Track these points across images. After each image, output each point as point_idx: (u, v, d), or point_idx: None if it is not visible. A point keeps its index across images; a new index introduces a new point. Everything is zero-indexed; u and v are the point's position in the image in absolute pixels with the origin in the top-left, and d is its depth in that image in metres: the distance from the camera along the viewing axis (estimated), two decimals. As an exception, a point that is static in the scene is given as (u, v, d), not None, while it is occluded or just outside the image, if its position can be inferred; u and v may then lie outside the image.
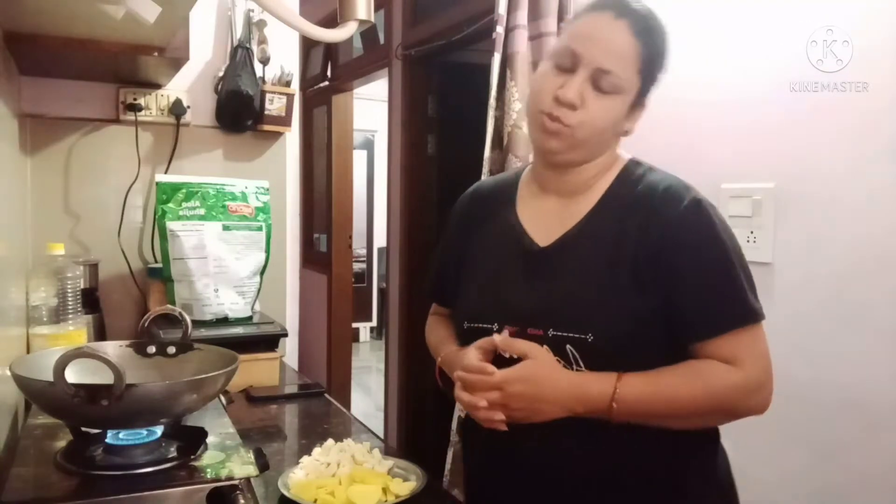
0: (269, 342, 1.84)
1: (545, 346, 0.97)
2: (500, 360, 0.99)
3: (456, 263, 1.16)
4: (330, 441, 1.20)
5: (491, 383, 0.95)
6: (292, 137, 2.40)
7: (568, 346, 0.96)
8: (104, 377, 0.99)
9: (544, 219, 1.06)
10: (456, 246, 1.17)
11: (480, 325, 1.04)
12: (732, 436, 1.51)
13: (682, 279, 0.95)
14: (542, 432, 0.97)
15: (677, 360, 0.97)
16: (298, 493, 1.05)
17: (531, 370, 0.95)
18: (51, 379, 0.98)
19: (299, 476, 1.10)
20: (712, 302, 0.96)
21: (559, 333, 0.96)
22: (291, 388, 1.79)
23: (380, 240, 6.71)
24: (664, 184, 0.99)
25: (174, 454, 1.09)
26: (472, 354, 1.00)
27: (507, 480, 1.05)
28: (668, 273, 0.95)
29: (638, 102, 1.02)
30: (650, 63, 0.99)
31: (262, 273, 1.95)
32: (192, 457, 1.08)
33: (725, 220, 1.00)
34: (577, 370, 0.96)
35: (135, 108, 2.09)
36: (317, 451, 1.18)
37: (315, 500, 1.03)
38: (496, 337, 0.99)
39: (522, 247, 1.05)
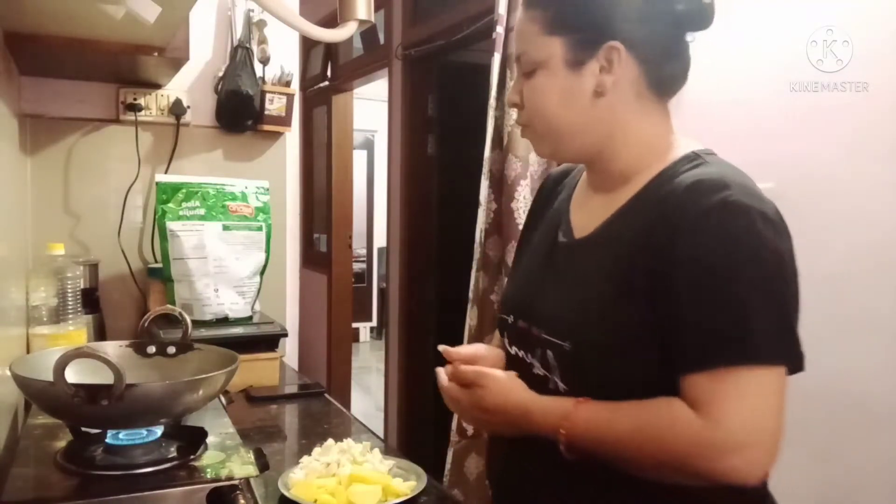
0: (269, 342, 1.84)
1: (511, 371, 0.92)
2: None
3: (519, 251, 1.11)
4: (330, 441, 1.20)
5: (463, 375, 0.91)
6: (292, 137, 2.40)
7: (549, 353, 0.87)
8: (104, 377, 0.98)
9: (588, 212, 0.94)
10: (525, 236, 1.10)
11: (502, 315, 0.99)
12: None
13: (671, 294, 0.78)
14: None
15: (672, 388, 0.79)
16: (298, 493, 1.05)
17: (492, 381, 0.88)
18: (51, 379, 0.97)
19: (299, 476, 1.10)
20: (694, 327, 0.76)
21: (544, 336, 0.88)
22: (291, 388, 1.79)
23: (380, 240, 6.70)
24: (695, 177, 0.81)
25: (174, 454, 1.09)
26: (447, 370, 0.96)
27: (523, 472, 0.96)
28: (664, 284, 0.78)
29: (577, 59, 0.86)
30: (561, 17, 0.87)
31: (262, 273, 1.95)
32: (192, 457, 1.08)
33: (770, 232, 0.78)
34: (553, 379, 0.87)
35: (135, 108, 2.09)
36: (317, 451, 1.18)
37: (315, 500, 1.03)
38: (441, 372, 0.95)
39: (553, 239, 0.97)
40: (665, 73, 0.91)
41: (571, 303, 0.88)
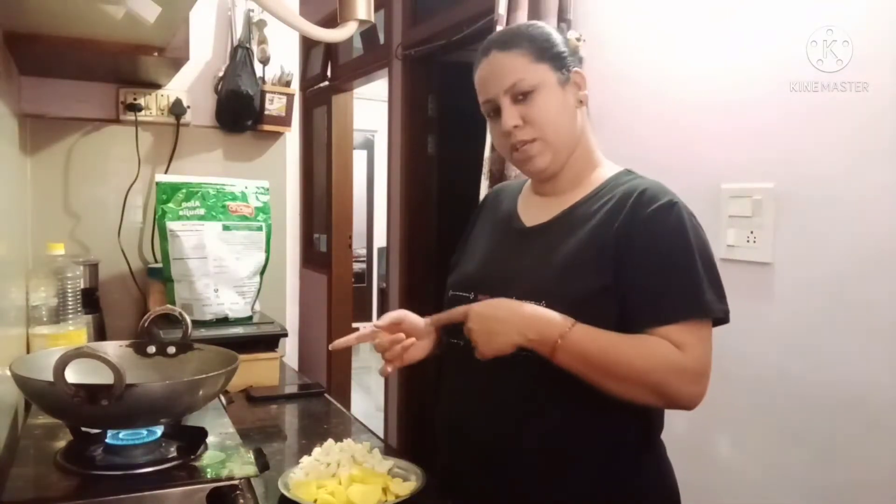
0: (269, 342, 1.84)
1: None
2: None
3: (462, 249, 1.28)
4: (330, 441, 1.20)
5: (458, 312, 1.07)
6: (292, 137, 2.40)
7: None
8: (104, 377, 0.98)
9: (536, 209, 1.16)
10: (469, 234, 1.28)
11: (459, 293, 1.16)
12: (732, 436, 1.52)
13: (641, 265, 1.02)
14: (488, 409, 1.08)
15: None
16: (298, 493, 1.05)
17: (490, 302, 1.05)
18: (51, 379, 0.97)
19: (299, 476, 1.10)
20: (666, 290, 1.02)
21: (518, 299, 1.04)
22: (291, 388, 1.79)
23: (380, 240, 6.71)
24: (645, 186, 1.06)
25: (174, 454, 1.09)
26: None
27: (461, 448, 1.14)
28: (629, 258, 1.02)
29: (563, 79, 1.09)
30: (541, 50, 1.09)
31: (262, 273, 1.95)
32: (192, 457, 1.08)
33: (700, 227, 1.06)
34: None
35: (135, 108, 2.09)
36: (317, 451, 1.18)
37: (315, 501, 1.03)
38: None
39: (511, 227, 1.18)
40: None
41: (543, 271, 1.07)
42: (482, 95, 1.14)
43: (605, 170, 1.14)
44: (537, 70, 1.08)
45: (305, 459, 1.16)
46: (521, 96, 1.08)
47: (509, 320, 1.01)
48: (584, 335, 0.99)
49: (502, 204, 1.24)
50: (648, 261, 1.02)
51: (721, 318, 1.04)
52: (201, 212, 1.88)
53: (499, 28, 1.86)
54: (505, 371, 1.05)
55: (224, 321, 1.85)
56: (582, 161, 1.14)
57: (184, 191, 1.89)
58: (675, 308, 1.01)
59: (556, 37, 1.12)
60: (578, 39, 1.15)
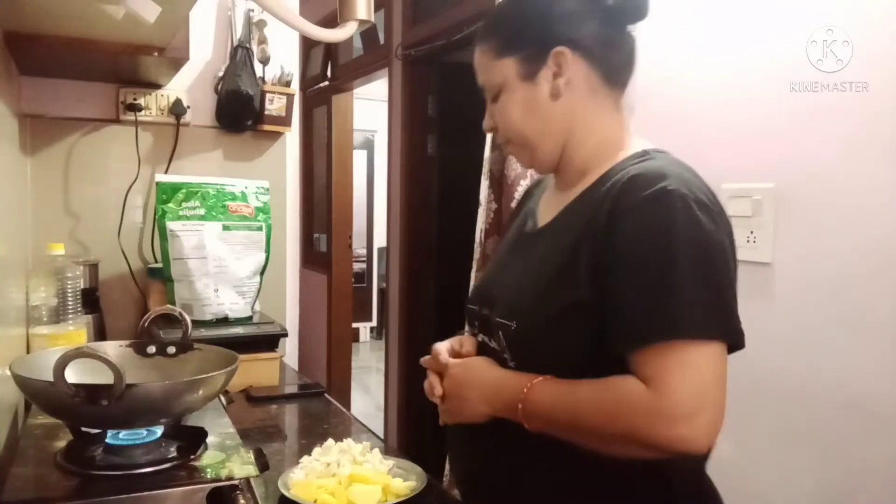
0: (269, 342, 1.84)
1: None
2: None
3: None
4: (330, 441, 1.20)
5: (440, 363, 1.00)
6: (292, 137, 2.40)
7: (500, 333, 0.95)
8: (104, 377, 0.98)
9: (551, 205, 1.03)
10: (503, 236, 1.25)
11: (470, 305, 1.08)
12: (732, 436, 1.51)
13: (612, 276, 0.84)
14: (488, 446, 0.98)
15: (610, 365, 0.84)
16: (298, 493, 1.05)
17: (469, 361, 0.98)
18: (51, 379, 0.97)
19: (299, 476, 1.10)
20: (635, 306, 0.82)
21: (498, 319, 0.95)
22: (291, 388, 1.79)
23: (380, 240, 6.70)
24: (638, 171, 0.87)
25: (174, 454, 1.08)
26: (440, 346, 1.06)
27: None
28: (602, 268, 0.85)
29: (530, 71, 0.95)
30: (507, 41, 0.97)
31: (262, 273, 1.95)
32: (192, 457, 1.08)
33: (709, 220, 0.84)
34: (506, 357, 0.95)
35: (135, 108, 2.09)
36: (317, 451, 1.18)
37: (315, 501, 1.03)
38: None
39: (524, 229, 1.07)
40: (613, 65, 0.98)
41: (518, 286, 0.97)
42: None
43: (621, 153, 0.95)
44: (499, 68, 0.97)
45: (305, 459, 1.16)
46: (493, 97, 1.00)
47: (478, 388, 0.94)
48: (543, 395, 0.86)
49: (533, 197, 1.12)
50: (619, 269, 0.83)
51: (730, 341, 0.83)
52: (201, 212, 1.88)
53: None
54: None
55: (224, 321, 1.85)
56: (589, 148, 0.97)
57: (184, 191, 1.89)
58: (642, 328, 0.81)
59: (543, 6, 0.96)
60: None
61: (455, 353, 1.03)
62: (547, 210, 1.03)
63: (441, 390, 1.00)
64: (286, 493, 1.05)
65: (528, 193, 1.17)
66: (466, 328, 1.09)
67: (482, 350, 1.01)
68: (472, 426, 0.98)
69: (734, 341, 0.84)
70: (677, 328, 0.80)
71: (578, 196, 0.96)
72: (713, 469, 1.57)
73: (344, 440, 1.21)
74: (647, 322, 0.81)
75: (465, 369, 0.97)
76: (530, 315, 0.91)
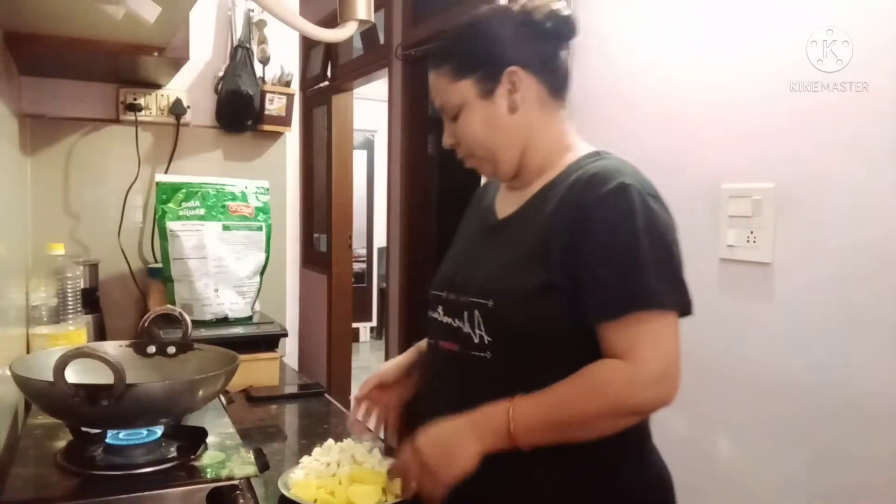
0: (269, 342, 1.84)
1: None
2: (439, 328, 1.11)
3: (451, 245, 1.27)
4: (330, 441, 1.20)
5: (406, 456, 0.99)
6: (292, 137, 2.40)
7: (476, 312, 1.02)
8: (104, 377, 0.99)
9: (509, 201, 1.13)
10: (458, 230, 1.28)
11: (435, 291, 1.15)
12: (733, 435, 1.51)
13: (584, 258, 0.96)
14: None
15: (579, 339, 0.97)
16: (298, 493, 1.05)
17: (430, 430, 0.99)
18: (51, 379, 0.98)
19: (299, 476, 1.10)
20: (608, 283, 0.94)
21: (472, 299, 1.04)
22: (291, 388, 1.79)
23: (380, 240, 6.70)
24: (597, 169, 1.00)
25: (174, 454, 1.09)
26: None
27: None
28: (573, 251, 0.96)
29: (488, 89, 1.05)
30: (463, 64, 1.06)
31: (262, 273, 1.95)
32: (192, 457, 1.08)
33: (660, 209, 0.98)
34: (478, 333, 1.02)
35: (135, 108, 2.09)
36: (317, 451, 1.18)
37: (315, 501, 1.03)
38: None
39: (486, 221, 1.16)
40: (556, 79, 1.09)
41: (493, 268, 1.06)
42: None
43: (572, 154, 1.09)
44: (458, 89, 1.06)
45: (305, 459, 1.16)
46: (452, 116, 1.09)
47: (458, 434, 0.97)
48: (528, 407, 0.94)
49: (486, 197, 1.22)
50: (591, 252, 0.96)
51: (683, 311, 0.97)
52: (201, 212, 1.88)
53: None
54: (463, 370, 1.05)
55: (224, 321, 1.85)
56: (542, 154, 1.08)
57: (184, 191, 1.89)
58: (615, 301, 0.94)
59: (492, 32, 1.06)
60: (555, 2, 1.07)
61: (380, 388, 1.20)
62: (506, 205, 1.13)
63: (417, 468, 0.98)
64: (286, 493, 1.05)
65: (482, 193, 1.26)
66: (429, 313, 1.17)
67: (445, 331, 1.08)
68: None
69: (687, 310, 0.98)
70: (646, 301, 0.93)
71: (539, 191, 1.07)
72: (713, 468, 1.57)
73: (344, 440, 1.21)
74: (619, 296, 0.94)
75: (430, 434, 0.99)
76: (507, 293, 1.01)
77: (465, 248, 1.18)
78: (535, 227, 1.02)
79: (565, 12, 1.07)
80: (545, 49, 1.07)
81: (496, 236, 1.11)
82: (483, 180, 1.93)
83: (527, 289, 0.99)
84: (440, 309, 1.12)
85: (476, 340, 1.02)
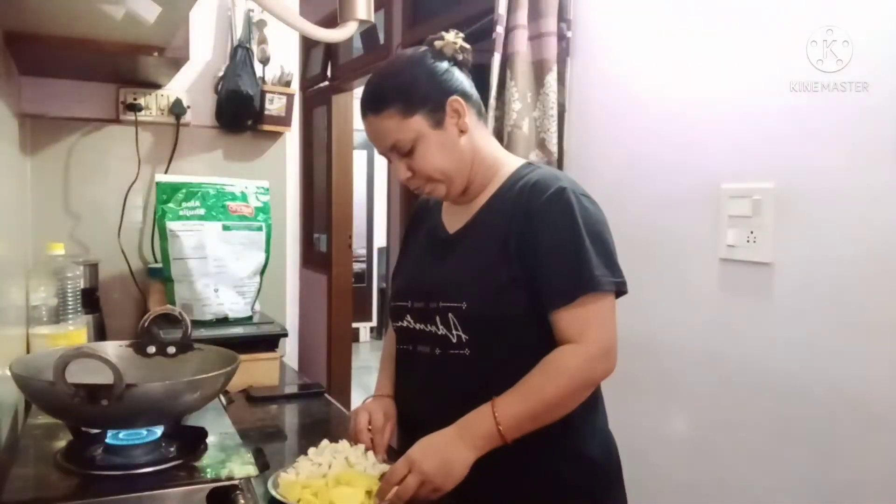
0: (269, 342, 1.84)
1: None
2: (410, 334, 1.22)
3: (400, 261, 1.38)
4: (325, 441, 1.20)
5: (401, 471, 1.03)
6: (292, 137, 2.39)
7: (450, 315, 1.14)
8: (104, 377, 0.98)
9: (456, 216, 1.25)
10: (406, 245, 1.38)
11: (399, 302, 1.24)
12: (733, 435, 1.51)
13: (537, 254, 1.10)
14: (433, 401, 1.17)
15: (542, 323, 1.11)
16: (284, 492, 1.04)
17: (420, 442, 1.07)
18: (51, 379, 0.98)
19: (290, 476, 1.10)
20: (559, 273, 1.09)
21: (444, 304, 1.15)
22: (291, 388, 1.79)
23: (380, 240, 6.71)
24: (537, 178, 1.15)
25: (174, 454, 1.09)
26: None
27: None
28: (529, 250, 1.11)
29: (437, 119, 1.15)
30: (409, 102, 1.14)
31: (262, 273, 1.95)
32: (192, 457, 1.08)
33: (594, 206, 1.14)
34: (456, 334, 1.14)
35: (135, 108, 2.09)
36: (312, 451, 1.18)
37: (298, 500, 1.03)
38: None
39: (437, 236, 1.26)
40: (479, 103, 1.23)
41: (459, 274, 1.17)
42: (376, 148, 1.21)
43: (508, 167, 1.22)
44: (410, 125, 1.14)
45: (300, 459, 1.15)
46: (405, 152, 1.16)
47: (451, 445, 1.05)
48: (508, 404, 1.06)
49: (431, 213, 1.31)
50: (543, 248, 1.10)
51: (619, 291, 1.12)
52: (201, 212, 1.88)
53: (498, 28, 1.86)
54: (444, 370, 1.16)
55: (224, 321, 1.85)
56: (483, 169, 1.21)
57: (184, 191, 1.89)
58: (567, 288, 1.09)
59: (424, 71, 1.17)
60: (457, 38, 1.20)
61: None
62: (454, 220, 1.24)
63: (415, 481, 1.02)
64: (272, 492, 1.04)
65: (422, 210, 1.36)
66: (391, 324, 1.28)
67: (418, 337, 1.19)
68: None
69: (622, 289, 1.12)
70: (591, 284, 1.08)
71: (487, 202, 1.20)
72: (713, 468, 1.57)
73: (339, 441, 1.20)
74: (570, 284, 1.09)
75: (422, 448, 1.06)
76: (478, 293, 1.13)
77: (420, 262, 1.28)
78: (495, 232, 1.15)
79: (466, 44, 1.21)
80: (464, 77, 1.20)
81: (455, 247, 1.21)
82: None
83: (496, 286, 1.12)
84: (408, 317, 1.22)
85: (454, 340, 1.14)
